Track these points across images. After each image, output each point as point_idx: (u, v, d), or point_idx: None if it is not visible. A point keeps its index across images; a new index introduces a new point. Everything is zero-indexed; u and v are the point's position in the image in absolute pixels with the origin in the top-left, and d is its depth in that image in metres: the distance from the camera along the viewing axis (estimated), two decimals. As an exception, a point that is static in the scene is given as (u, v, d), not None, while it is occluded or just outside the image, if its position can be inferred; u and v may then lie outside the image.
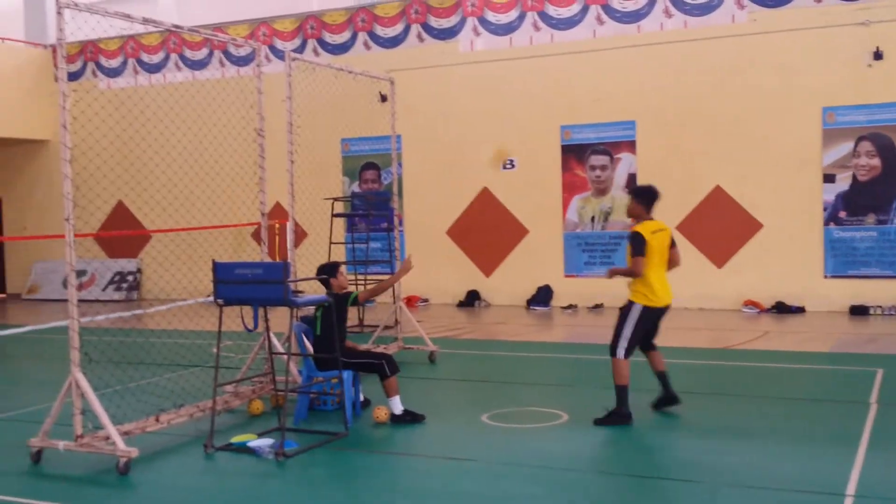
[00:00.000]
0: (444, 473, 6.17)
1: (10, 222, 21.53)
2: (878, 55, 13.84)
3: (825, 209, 14.25)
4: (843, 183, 14.19)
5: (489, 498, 5.61)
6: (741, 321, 13.63)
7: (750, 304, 14.59)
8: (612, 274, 7.51)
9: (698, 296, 14.99)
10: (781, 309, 14.28)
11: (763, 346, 11.27)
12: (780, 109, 14.45)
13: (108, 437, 6.48)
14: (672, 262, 7.51)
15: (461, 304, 16.61)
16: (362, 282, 13.14)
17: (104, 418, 6.42)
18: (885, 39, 13.79)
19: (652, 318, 7.41)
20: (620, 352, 7.30)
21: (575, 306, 15.73)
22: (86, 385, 6.47)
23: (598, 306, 15.59)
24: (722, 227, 14.88)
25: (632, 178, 15.45)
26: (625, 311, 7.38)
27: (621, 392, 7.27)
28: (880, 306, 13.82)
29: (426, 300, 17.08)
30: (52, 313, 16.51)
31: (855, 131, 14.07)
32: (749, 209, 14.73)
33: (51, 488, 6.15)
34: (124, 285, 19.65)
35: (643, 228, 7.25)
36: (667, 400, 7.65)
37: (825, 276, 14.30)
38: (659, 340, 7.79)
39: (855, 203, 14.13)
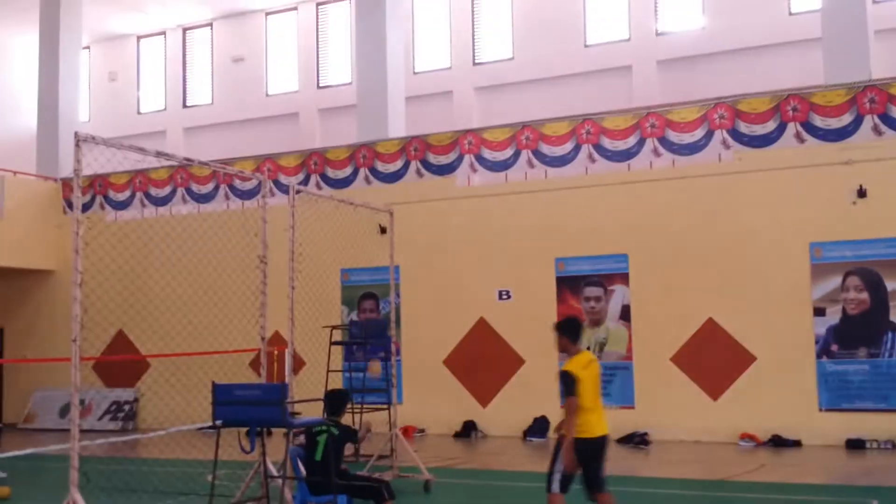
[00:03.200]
0: None
1: (12, 351, 21.60)
2: (861, 193, 14.35)
3: (817, 342, 14.43)
4: (833, 316, 14.43)
5: None
6: (737, 454, 13.58)
7: (746, 437, 14.56)
8: (559, 432, 7.16)
9: (694, 428, 14.98)
10: (778, 442, 14.26)
11: (758, 479, 11.24)
12: (768, 244, 14.85)
13: (101, 560, 6.47)
14: None
15: (458, 435, 16.54)
16: (358, 410, 13.17)
17: (99, 539, 6.43)
18: (867, 178, 14.31)
19: (587, 450, 6.93)
20: (554, 486, 6.96)
21: (571, 438, 15.66)
22: (82, 505, 6.51)
23: (594, 438, 15.52)
24: (716, 359, 15.02)
25: (625, 309, 15.72)
26: (557, 445, 7.04)
27: None
28: (876, 440, 13.80)
29: (422, 430, 17.01)
30: (48, 441, 16.39)
31: (842, 266, 14.41)
32: (742, 342, 14.90)
33: None
34: (120, 415, 19.57)
35: (573, 365, 7.05)
36: None
37: (820, 410, 14.34)
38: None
39: (846, 336, 14.33)
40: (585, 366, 7.11)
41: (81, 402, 19.07)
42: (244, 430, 7.53)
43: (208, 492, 7.20)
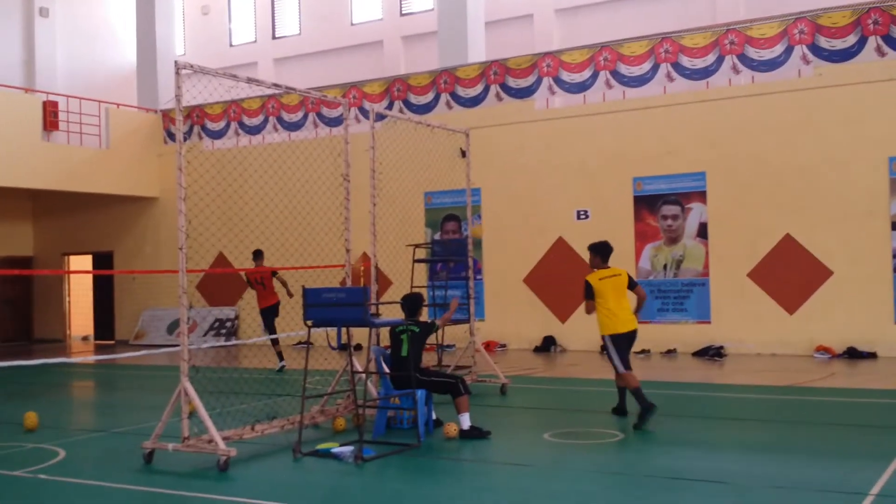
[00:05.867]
0: (502, 473, 6.89)
1: (121, 274, 23.21)
2: (944, 106, 14.17)
3: (894, 256, 14.48)
4: (912, 230, 14.43)
5: (540, 493, 6.29)
6: (811, 365, 13.88)
7: (821, 349, 14.82)
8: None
9: (769, 342, 15.31)
10: (853, 354, 14.48)
11: (826, 385, 11.60)
12: (846, 160, 14.85)
13: (210, 440, 7.40)
14: (638, 298, 9.22)
15: (537, 350, 17.24)
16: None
17: (208, 421, 7.35)
18: (951, 91, 14.12)
19: (622, 341, 9.00)
20: (620, 368, 9.01)
21: (648, 351, 16.19)
22: (193, 392, 7.43)
23: (670, 351, 16.02)
24: (792, 274, 15.22)
25: (702, 226, 15.98)
26: (604, 345, 9.22)
27: (637, 393, 8.79)
28: (954, 352, 13.91)
29: (504, 345, 17.77)
30: (158, 356, 17.78)
31: (923, 180, 14.34)
32: (819, 257, 15.04)
33: (161, 480, 7.08)
34: (223, 331, 20.93)
35: (591, 277, 9.06)
36: (618, 410, 9.36)
37: (896, 322, 14.49)
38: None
39: (925, 250, 14.33)
40: (602, 277, 9.04)
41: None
42: (333, 331, 8.36)
43: (301, 393, 8.03)
